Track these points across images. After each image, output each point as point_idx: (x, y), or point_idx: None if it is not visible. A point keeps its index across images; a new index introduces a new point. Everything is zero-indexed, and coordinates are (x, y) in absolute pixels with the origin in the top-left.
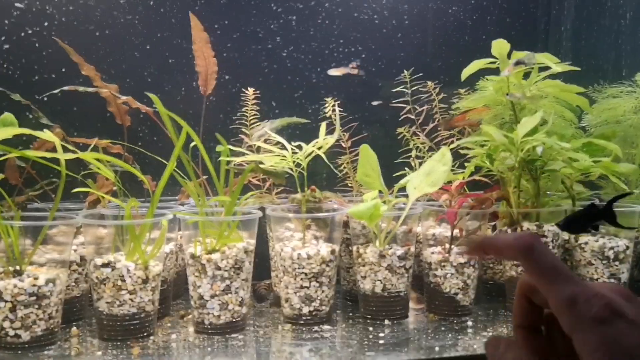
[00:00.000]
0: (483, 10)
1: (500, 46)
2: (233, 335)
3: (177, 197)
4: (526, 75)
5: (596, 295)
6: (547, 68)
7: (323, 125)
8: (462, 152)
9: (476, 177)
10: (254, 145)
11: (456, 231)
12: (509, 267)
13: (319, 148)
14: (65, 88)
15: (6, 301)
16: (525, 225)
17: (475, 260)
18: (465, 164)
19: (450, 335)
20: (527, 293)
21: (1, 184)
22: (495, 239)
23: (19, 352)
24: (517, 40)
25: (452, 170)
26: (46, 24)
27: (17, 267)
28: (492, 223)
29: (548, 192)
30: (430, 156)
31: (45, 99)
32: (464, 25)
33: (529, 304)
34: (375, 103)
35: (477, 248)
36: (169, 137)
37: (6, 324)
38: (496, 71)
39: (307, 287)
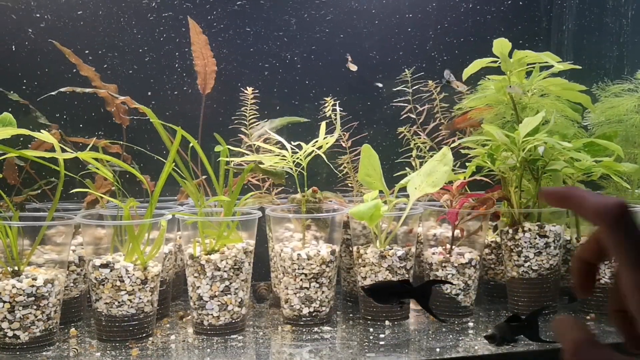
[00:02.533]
0: (485, 9)
1: (501, 45)
2: (232, 336)
3: (176, 197)
4: (528, 74)
5: None
6: (549, 67)
7: (323, 125)
8: (463, 151)
9: (477, 177)
10: (254, 145)
11: (457, 232)
12: (510, 268)
13: (319, 148)
14: (63, 89)
15: (4, 302)
16: (527, 225)
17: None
18: (467, 164)
19: (451, 336)
20: (581, 254)
21: None
22: (584, 196)
23: (18, 353)
24: (519, 39)
25: (453, 170)
26: (43, 24)
27: (16, 268)
28: (494, 223)
29: None
30: (431, 156)
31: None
32: (466, 24)
33: (584, 265)
34: (379, 85)
35: (559, 197)
36: (168, 136)
37: (4, 325)
38: (498, 70)
39: (307, 288)
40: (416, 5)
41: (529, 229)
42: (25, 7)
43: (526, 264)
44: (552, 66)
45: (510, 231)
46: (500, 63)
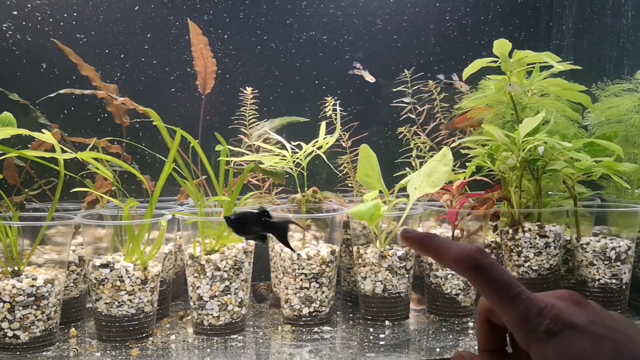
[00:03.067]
0: (485, 9)
1: (501, 45)
2: (232, 336)
3: (176, 197)
4: (529, 74)
5: (546, 307)
6: (549, 67)
7: (323, 125)
8: (463, 151)
9: (477, 177)
10: (254, 145)
11: (457, 232)
12: (510, 268)
13: (319, 148)
14: (62, 91)
15: (4, 302)
16: (527, 225)
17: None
18: (467, 164)
19: (451, 336)
20: (487, 316)
21: None
22: (442, 245)
23: (18, 353)
24: (519, 40)
25: (453, 170)
26: (45, 24)
27: (16, 268)
28: (494, 223)
29: (549, 192)
30: (431, 156)
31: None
32: (466, 24)
33: (491, 327)
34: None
35: (417, 242)
36: (167, 135)
37: (4, 325)
38: (498, 70)
39: (307, 288)
40: (416, 6)
41: (529, 229)
42: (25, 6)
43: (526, 264)
44: (552, 66)
45: (510, 231)
46: (500, 63)
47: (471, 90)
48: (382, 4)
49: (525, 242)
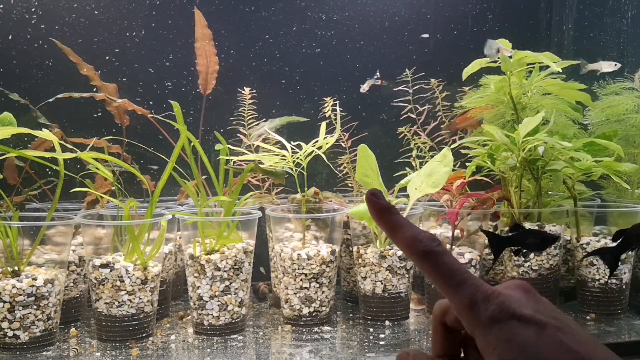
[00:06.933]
0: (485, 8)
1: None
2: (232, 336)
3: (176, 197)
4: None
5: (492, 294)
6: (549, 67)
7: (323, 125)
8: (463, 151)
9: (477, 177)
10: (253, 145)
11: (457, 232)
12: (510, 268)
13: (319, 148)
14: (60, 96)
15: (4, 302)
16: (527, 225)
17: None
18: (467, 164)
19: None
20: (441, 318)
21: None
22: (398, 224)
23: (18, 352)
24: (519, 39)
25: (453, 170)
26: (43, 23)
27: (16, 268)
28: (494, 223)
29: (549, 192)
30: (431, 156)
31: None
32: (466, 24)
33: (445, 331)
34: (424, 36)
35: (376, 211)
36: (167, 136)
37: (4, 325)
38: (498, 70)
39: (307, 288)
40: (415, 5)
41: (529, 229)
42: (25, 6)
43: (526, 264)
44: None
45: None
46: (500, 63)
47: (472, 89)
48: (382, 3)
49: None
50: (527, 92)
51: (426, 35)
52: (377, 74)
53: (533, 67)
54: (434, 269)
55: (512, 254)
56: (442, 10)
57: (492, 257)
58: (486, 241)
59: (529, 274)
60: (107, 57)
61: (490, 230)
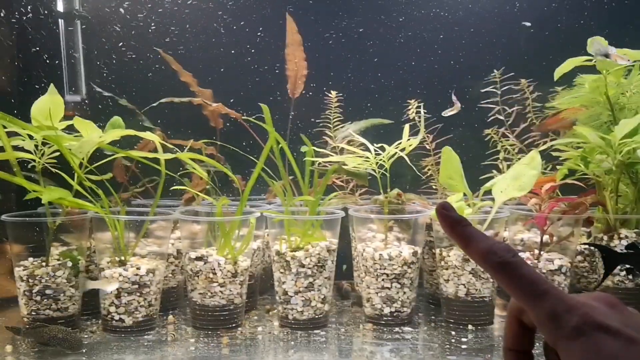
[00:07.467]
0: (579, 2)
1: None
2: (315, 331)
3: (264, 196)
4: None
5: (575, 306)
6: None
7: (406, 127)
8: (554, 154)
9: (569, 181)
10: (338, 147)
11: (546, 237)
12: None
13: (402, 149)
14: (163, 100)
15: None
16: (624, 232)
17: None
18: (557, 167)
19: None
20: (517, 315)
21: (109, 182)
22: (471, 236)
23: (123, 335)
24: (616, 35)
25: (543, 172)
26: (148, 34)
27: (122, 258)
28: (587, 230)
29: None
30: (519, 158)
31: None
32: (560, 21)
33: (520, 327)
34: (527, 24)
35: (449, 223)
36: (257, 138)
37: (112, 309)
38: (593, 69)
39: (389, 288)
40: (506, 3)
41: (626, 236)
42: (132, 18)
43: (622, 273)
44: None
45: (605, 238)
46: (595, 62)
47: (566, 89)
48: (471, 2)
49: (621, 250)
50: (625, 92)
51: (528, 24)
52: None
53: (633, 66)
54: (512, 281)
55: (625, 272)
56: (533, 5)
57: (584, 264)
58: (579, 248)
59: (625, 283)
60: (200, 65)
61: (593, 240)
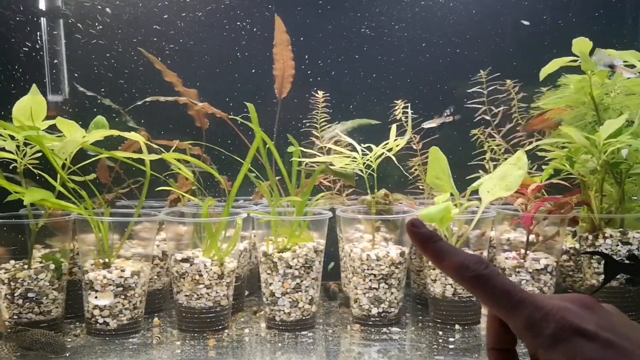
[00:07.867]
0: (565, 4)
1: (581, 44)
2: (303, 332)
3: (251, 197)
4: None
5: (551, 310)
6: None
7: (393, 128)
8: (539, 154)
9: (554, 181)
10: (325, 147)
11: (532, 236)
12: (590, 276)
13: (389, 150)
14: (148, 99)
15: (96, 291)
16: (608, 231)
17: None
18: (543, 167)
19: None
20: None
21: (93, 183)
22: (443, 252)
23: (107, 338)
24: (601, 36)
25: (529, 172)
26: (132, 33)
27: (106, 260)
28: (572, 229)
29: (634, 197)
30: (505, 159)
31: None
32: (544, 21)
33: (501, 326)
34: (525, 22)
35: (420, 239)
36: (243, 138)
37: (96, 312)
38: (578, 69)
39: (376, 289)
40: (491, 3)
41: (611, 236)
42: (117, 17)
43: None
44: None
45: (590, 237)
46: (580, 62)
47: (551, 89)
48: (457, 3)
49: (606, 249)
50: (610, 93)
51: (527, 23)
52: (450, 109)
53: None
54: (486, 293)
55: (623, 280)
56: (518, 8)
57: (569, 264)
58: (564, 247)
59: (610, 282)
60: (192, 64)
61: (578, 240)
